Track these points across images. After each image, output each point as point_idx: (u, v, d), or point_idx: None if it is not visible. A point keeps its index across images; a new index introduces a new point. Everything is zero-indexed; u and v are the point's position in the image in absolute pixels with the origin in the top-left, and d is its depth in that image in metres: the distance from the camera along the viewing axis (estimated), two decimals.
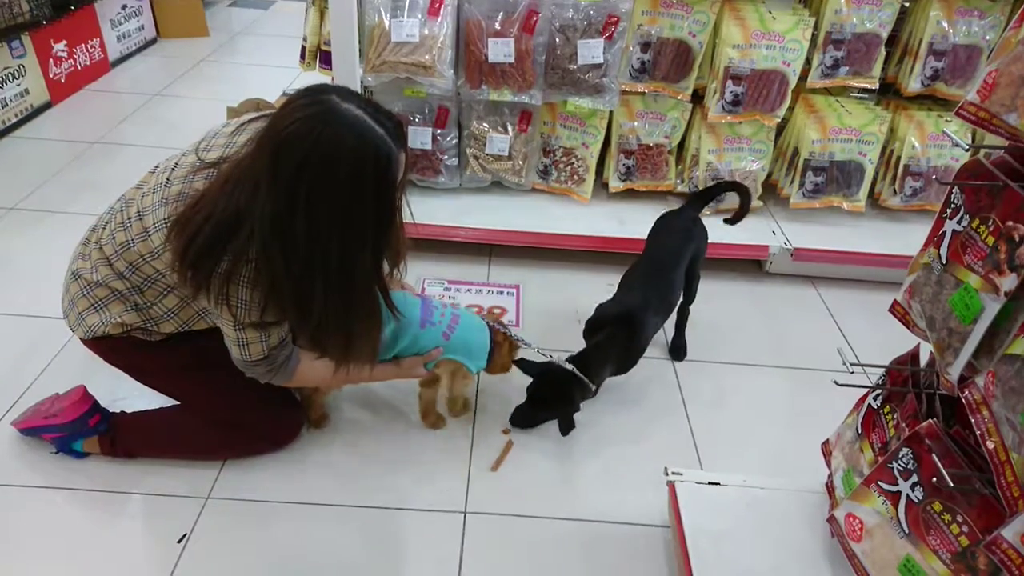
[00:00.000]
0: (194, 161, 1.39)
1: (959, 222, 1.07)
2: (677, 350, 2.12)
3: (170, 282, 1.46)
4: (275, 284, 1.29)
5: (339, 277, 1.26)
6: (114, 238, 1.46)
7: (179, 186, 1.37)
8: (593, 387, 1.71)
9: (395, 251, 1.49)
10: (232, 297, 1.32)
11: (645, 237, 2.42)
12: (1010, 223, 0.95)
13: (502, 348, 1.73)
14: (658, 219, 1.99)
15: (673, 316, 1.99)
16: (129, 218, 1.43)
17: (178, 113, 3.51)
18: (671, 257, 1.88)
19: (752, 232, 2.51)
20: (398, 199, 1.32)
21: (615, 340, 1.73)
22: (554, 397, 1.72)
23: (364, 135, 1.18)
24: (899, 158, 2.51)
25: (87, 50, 3.68)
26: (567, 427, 1.77)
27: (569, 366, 1.68)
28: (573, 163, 2.56)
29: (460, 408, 1.85)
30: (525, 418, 1.78)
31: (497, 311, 1.76)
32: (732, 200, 2.04)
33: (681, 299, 1.99)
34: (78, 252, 1.56)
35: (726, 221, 2.05)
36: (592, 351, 1.73)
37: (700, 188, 2.53)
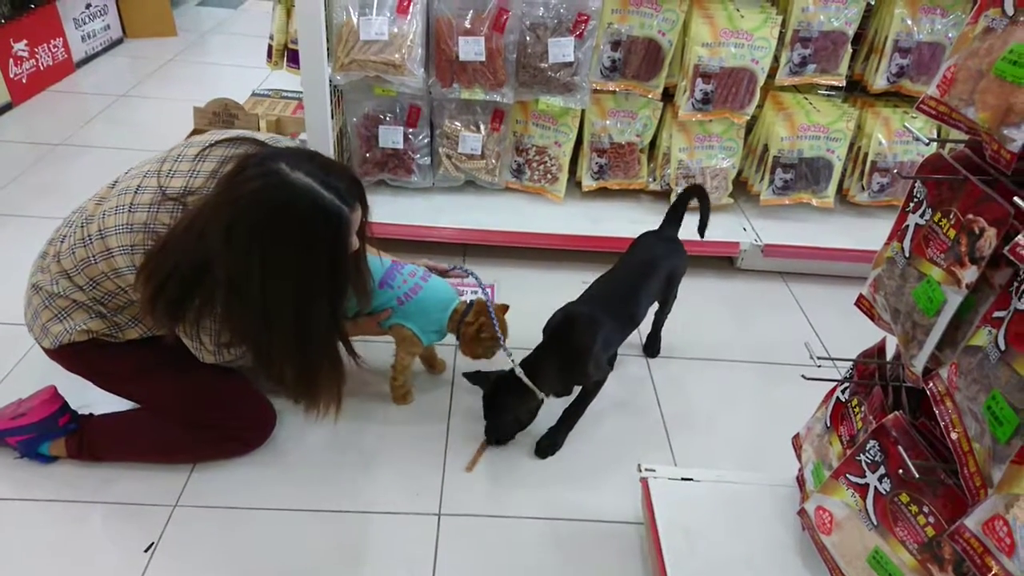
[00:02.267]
0: (156, 188, 1.38)
1: (922, 216, 1.08)
2: (651, 347, 2.13)
3: (132, 297, 1.45)
4: (236, 332, 1.37)
5: (295, 332, 1.31)
6: (74, 253, 1.45)
7: (144, 215, 1.37)
8: (540, 394, 1.67)
9: (360, 290, 1.54)
10: (204, 329, 1.40)
11: (618, 235, 2.44)
12: (970, 216, 0.96)
13: (466, 333, 1.73)
14: (639, 236, 1.96)
15: (649, 316, 1.98)
16: (90, 235, 1.42)
17: (145, 114, 3.44)
18: (640, 273, 1.85)
19: (723, 229, 2.53)
20: (359, 247, 1.40)
21: (557, 341, 1.69)
22: (498, 405, 1.71)
23: (314, 204, 1.23)
24: (866, 154, 2.54)
25: (49, 50, 3.59)
26: (496, 434, 1.75)
27: (519, 371, 1.65)
28: (546, 162, 2.56)
29: (399, 379, 1.84)
30: (489, 431, 1.76)
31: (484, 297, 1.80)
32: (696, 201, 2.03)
33: (656, 307, 1.99)
34: (37, 265, 1.55)
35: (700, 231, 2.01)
36: (536, 354, 1.69)
37: (672, 191, 2.55)
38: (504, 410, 1.71)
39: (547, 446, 1.76)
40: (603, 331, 1.70)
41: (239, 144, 1.42)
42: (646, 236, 1.96)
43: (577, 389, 1.79)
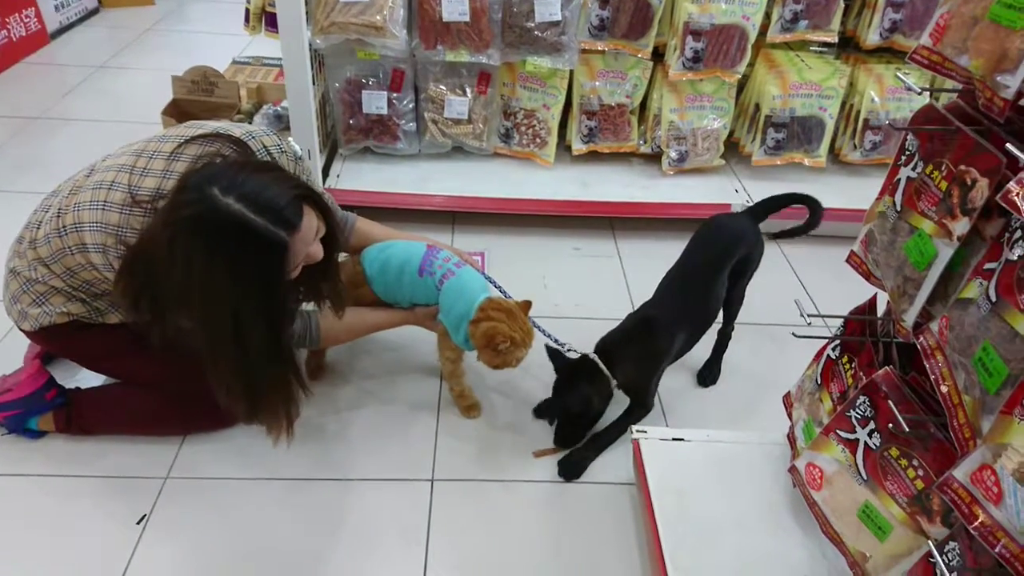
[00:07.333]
0: (127, 187, 1.35)
1: (913, 169, 1.06)
2: (707, 375, 1.93)
3: (108, 287, 1.42)
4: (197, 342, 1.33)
5: (235, 353, 1.28)
6: (49, 242, 1.42)
7: (116, 216, 1.35)
8: (614, 382, 1.60)
9: (334, 295, 1.52)
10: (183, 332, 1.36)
11: (610, 200, 2.41)
12: (962, 167, 0.95)
13: (475, 332, 1.56)
14: (709, 219, 1.80)
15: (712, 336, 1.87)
16: (65, 226, 1.39)
17: (124, 85, 3.36)
18: (705, 264, 1.71)
19: (714, 190, 2.50)
20: (329, 252, 1.39)
21: (635, 339, 1.63)
22: (568, 392, 1.62)
23: (241, 232, 1.20)
24: (859, 112, 2.51)
25: (21, 20, 3.49)
26: (565, 437, 1.67)
27: (593, 356, 1.59)
28: (535, 126, 2.52)
29: (455, 388, 1.75)
30: (549, 410, 1.70)
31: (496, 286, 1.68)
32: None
33: (721, 318, 1.86)
34: (13, 250, 1.52)
35: (777, 235, 1.86)
36: (611, 342, 1.63)
37: (663, 154, 2.51)
38: (578, 393, 1.60)
39: (573, 467, 1.64)
40: (678, 334, 1.65)
41: (212, 141, 1.38)
42: (720, 220, 1.80)
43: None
